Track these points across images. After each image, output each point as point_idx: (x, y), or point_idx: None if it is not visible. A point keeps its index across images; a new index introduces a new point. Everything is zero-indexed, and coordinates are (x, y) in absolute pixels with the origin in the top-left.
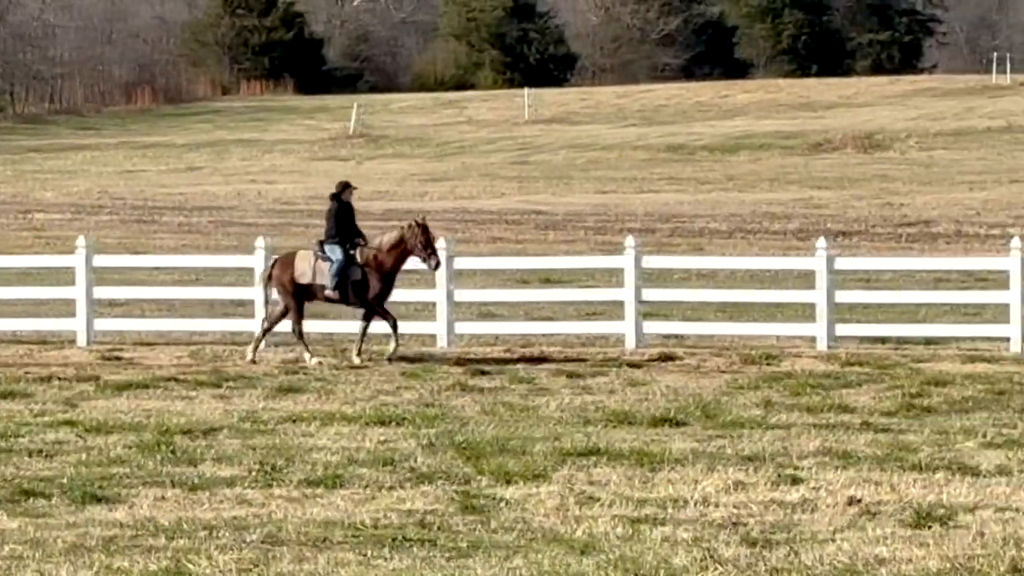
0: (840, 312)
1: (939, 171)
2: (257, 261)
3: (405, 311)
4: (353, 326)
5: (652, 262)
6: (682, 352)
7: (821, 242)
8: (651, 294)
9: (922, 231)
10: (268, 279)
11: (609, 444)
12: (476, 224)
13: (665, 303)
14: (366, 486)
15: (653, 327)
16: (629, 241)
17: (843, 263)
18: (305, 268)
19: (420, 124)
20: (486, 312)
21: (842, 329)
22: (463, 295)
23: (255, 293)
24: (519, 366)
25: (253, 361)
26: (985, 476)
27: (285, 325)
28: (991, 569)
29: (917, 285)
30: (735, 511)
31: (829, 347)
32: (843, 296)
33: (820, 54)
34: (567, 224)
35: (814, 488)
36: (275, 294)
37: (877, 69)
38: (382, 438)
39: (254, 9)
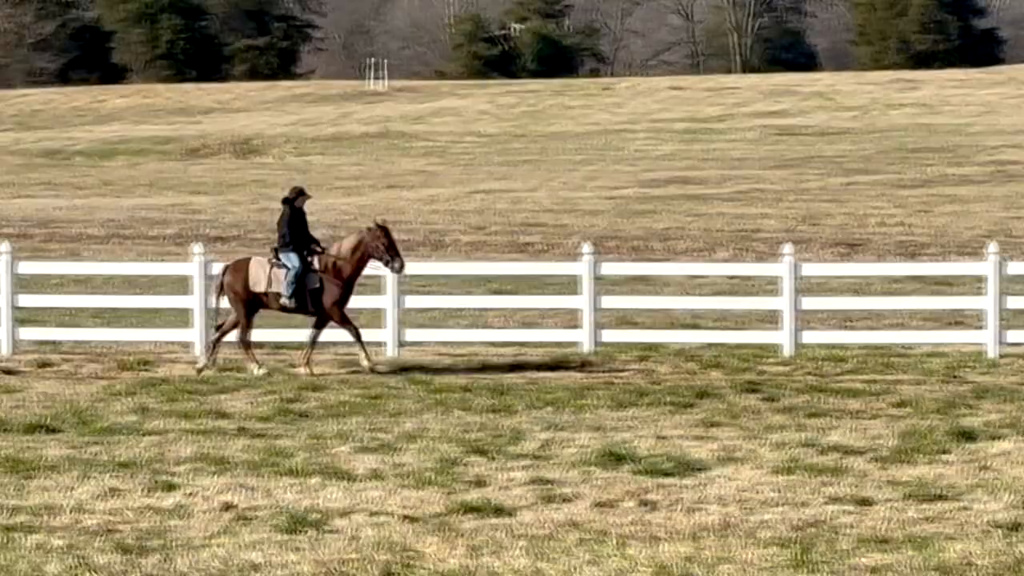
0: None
1: (316, 176)
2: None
3: None
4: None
5: (26, 268)
6: (58, 358)
7: (197, 247)
8: (25, 300)
9: None
10: (220, 287)
11: None
12: None
13: (40, 309)
14: None
15: (28, 333)
16: (4, 247)
17: (220, 268)
18: (260, 275)
19: None
20: None
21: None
22: None
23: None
24: None
25: (205, 367)
26: (359, 480)
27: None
28: (364, 573)
29: None
30: (109, 518)
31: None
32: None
33: (197, 59)
34: None
35: (189, 494)
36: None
37: (254, 74)
38: None
39: None
